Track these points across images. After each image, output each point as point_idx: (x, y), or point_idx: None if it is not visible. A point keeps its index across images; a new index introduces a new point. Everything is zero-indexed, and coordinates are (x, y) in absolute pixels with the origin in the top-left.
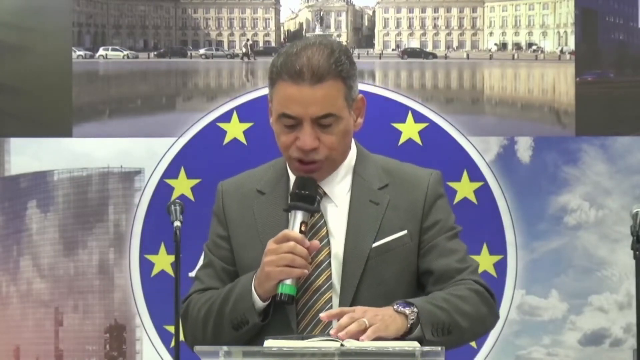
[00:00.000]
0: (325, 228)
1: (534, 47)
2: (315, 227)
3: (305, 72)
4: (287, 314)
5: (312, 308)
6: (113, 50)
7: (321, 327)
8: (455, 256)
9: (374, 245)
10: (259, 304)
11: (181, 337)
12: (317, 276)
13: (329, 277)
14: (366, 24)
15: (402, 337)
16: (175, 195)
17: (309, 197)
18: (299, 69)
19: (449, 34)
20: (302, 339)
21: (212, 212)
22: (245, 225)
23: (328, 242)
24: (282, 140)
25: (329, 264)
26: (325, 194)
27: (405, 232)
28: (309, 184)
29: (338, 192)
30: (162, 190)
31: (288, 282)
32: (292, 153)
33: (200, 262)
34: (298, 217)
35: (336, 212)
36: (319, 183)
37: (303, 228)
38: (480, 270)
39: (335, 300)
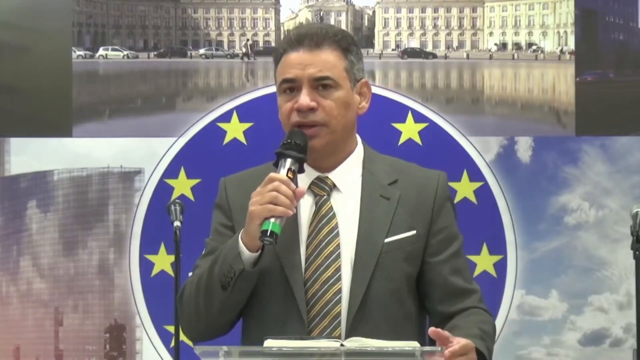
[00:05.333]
0: (335, 219)
1: (534, 47)
2: (325, 218)
3: (304, 39)
4: (297, 304)
5: (321, 299)
6: (113, 50)
7: (330, 318)
8: (462, 276)
9: (386, 240)
10: (246, 253)
11: (181, 337)
12: (327, 267)
13: (339, 268)
14: (366, 24)
15: None
16: (175, 195)
17: (297, 146)
18: (299, 37)
19: (449, 34)
20: (302, 339)
21: (213, 206)
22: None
23: (337, 234)
24: (282, 110)
25: (339, 255)
26: (334, 185)
27: (414, 232)
28: (298, 135)
29: (347, 184)
30: (162, 190)
31: (272, 220)
32: (292, 119)
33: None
34: (286, 164)
35: (346, 204)
36: (329, 175)
37: (290, 175)
38: (480, 270)
39: (345, 292)
